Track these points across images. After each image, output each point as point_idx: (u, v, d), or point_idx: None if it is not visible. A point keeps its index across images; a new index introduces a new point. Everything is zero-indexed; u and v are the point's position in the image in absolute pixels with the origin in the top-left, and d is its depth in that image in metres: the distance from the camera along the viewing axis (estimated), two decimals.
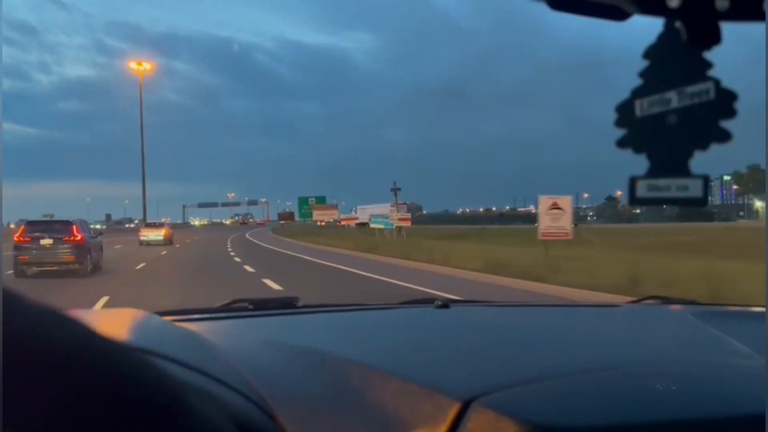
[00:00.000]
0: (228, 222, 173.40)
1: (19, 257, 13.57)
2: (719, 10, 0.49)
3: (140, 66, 57.92)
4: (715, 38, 0.51)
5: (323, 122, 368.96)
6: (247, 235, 55.99)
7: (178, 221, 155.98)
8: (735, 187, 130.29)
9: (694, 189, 0.55)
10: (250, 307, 1.50)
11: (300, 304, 1.57)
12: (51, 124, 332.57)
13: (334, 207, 51.55)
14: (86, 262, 14.04)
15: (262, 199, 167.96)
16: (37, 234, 13.81)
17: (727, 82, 0.55)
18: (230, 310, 1.49)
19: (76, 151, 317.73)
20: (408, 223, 32.89)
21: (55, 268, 13.60)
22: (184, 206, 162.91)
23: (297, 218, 67.38)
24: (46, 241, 13.68)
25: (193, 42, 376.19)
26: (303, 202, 51.09)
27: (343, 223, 47.15)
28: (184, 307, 1.61)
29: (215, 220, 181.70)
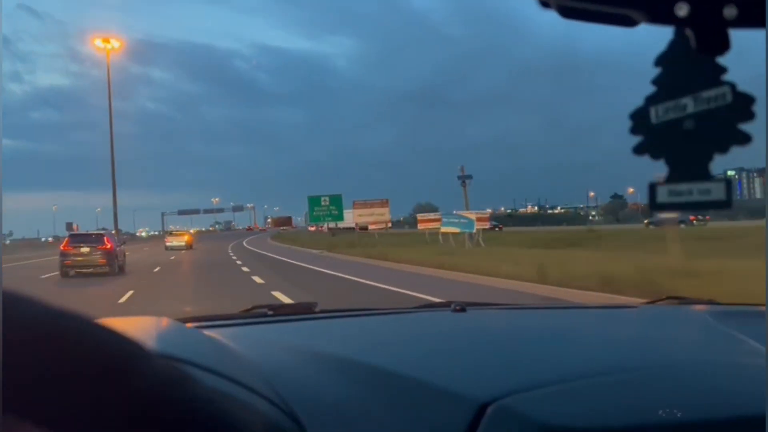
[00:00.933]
0: (191, 232, 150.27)
1: (65, 262, 17.80)
2: (727, 18, 0.50)
3: (107, 44, 45.11)
4: (724, 45, 0.52)
5: (304, 128, 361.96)
6: (245, 243, 48.53)
7: (156, 231, 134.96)
8: None
9: (717, 192, 0.56)
10: (270, 312, 1.52)
11: (318, 309, 1.58)
12: (23, 135, 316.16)
13: (383, 204, 37.74)
14: (114, 265, 18.20)
15: (248, 204, 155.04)
16: (77, 244, 18.14)
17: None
18: (250, 316, 1.51)
19: (48, 160, 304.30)
20: (487, 225, 25.40)
21: (90, 270, 17.69)
22: (162, 214, 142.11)
23: (308, 222, 55.52)
24: (85, 249, 17.93)
25: (170, 49, 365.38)
26: (314, 202, 37.91)
27: (372, 227, 37.36)
28: (204, 314, 1.61)
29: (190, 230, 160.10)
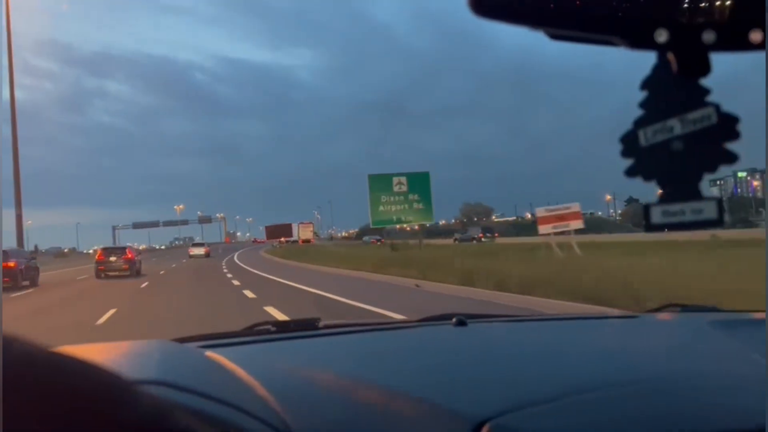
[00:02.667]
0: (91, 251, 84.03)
1: (99, 267, 24.76)
2: (706, 43, 0.52)
3: None
4: (705, 68, 0.54)
5: (269, 140, 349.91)
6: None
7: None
8: (755, 183, 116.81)
9: (709, 211, 0.57)
10: (273, 329, 1.52)
11: (321, 324, 1.58)
12: None
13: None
14: (134, 269, 25.03)
15: (218, 214, 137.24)
16: (107, 254, 25.30)
17: None
18: (253, 333, 1.51)
19: None
20: None
21: (116, 273, 24.38)
22: (114, 228, 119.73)
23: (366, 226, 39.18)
24: (113, 258, 24.98)
25: (127, 61, 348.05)
26: (378, 184, 20.63)
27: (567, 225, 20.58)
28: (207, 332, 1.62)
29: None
